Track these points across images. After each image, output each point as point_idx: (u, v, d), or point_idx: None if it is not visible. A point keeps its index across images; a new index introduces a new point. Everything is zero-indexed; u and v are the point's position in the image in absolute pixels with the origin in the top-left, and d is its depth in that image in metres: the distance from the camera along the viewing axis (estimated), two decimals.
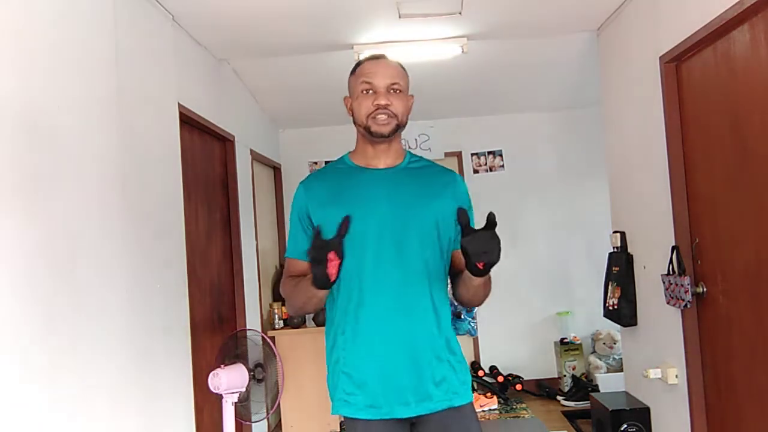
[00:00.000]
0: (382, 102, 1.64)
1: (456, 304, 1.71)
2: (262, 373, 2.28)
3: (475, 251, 1.42)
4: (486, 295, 1.65)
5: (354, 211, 1.55)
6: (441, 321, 1.67)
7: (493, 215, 1.45)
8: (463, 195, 1.74)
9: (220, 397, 2.30)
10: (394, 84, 1.67)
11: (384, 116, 1.65)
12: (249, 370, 2.21)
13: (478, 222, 1.52)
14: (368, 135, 1.68)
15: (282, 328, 4.48)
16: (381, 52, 1.80)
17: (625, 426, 3.26)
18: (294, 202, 1.74)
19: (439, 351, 1.66)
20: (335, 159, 1.81)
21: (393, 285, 1.63)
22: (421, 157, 1.81)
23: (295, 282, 1.63)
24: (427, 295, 1.65)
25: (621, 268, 3.42)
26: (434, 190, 1.70)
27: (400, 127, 1.69)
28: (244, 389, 2.21)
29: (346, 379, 1.65)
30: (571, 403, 4.78)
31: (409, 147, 5.36)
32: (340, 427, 4.51)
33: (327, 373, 1.74)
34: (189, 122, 3.20)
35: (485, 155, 5.52)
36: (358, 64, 1.74)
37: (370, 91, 1.67)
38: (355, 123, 1.71)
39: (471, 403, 1.70)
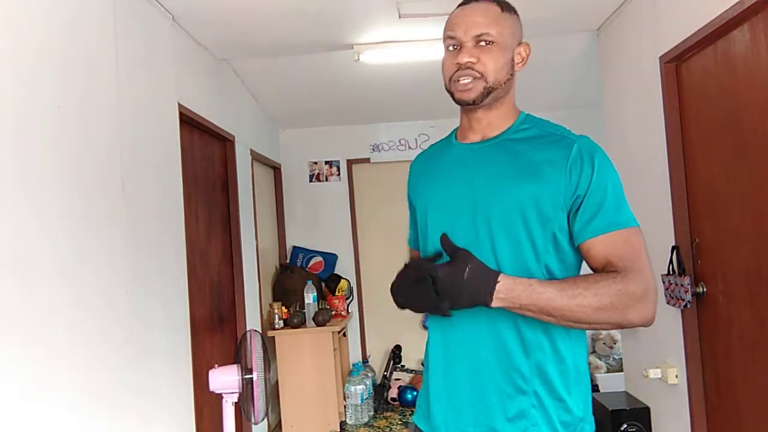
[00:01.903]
0: (464, 59, 1.30)
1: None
2: (256, 373, 2.29)
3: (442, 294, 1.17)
4: (590, 316, 1.18)
5: (424, 197, 1.40)
6: (527, 339, 1.26)
7: (445, 237, 1.22)
8: (583, 169, 1.25)
9: (220, 397, 2.30)
10: (482, 35, 1.30)
11: (468, 78, 1.31)
12: (242, 371, 2.21)
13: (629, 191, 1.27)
14: (456, 102, 1.37)
15: (282, 328, 4.48)
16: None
17: (625, 426, 3.26)
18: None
19: (521, 382, 1.27)
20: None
21: None
22: (539, 119, 1.39)
23: None
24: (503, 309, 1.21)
25: None
26: (530, 169, 1.28)
27: (492, 90, 1.32)
28: (237, 389, 2.21)
29: (424, 385, 1.43)
30: None
31: (410, 147, 5.34)
32: (341, 427, 4.51)
33: None
34: (189, 122, 3.20)
35: None
36: (453, 12, 1.41)
37: (455, 47, 1.34)
38: (446, 89, 1.39)
39: None
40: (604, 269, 1.23)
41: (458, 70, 1.32)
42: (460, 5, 1.38)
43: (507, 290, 1.17)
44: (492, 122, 1.38)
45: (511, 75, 1.36)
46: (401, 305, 1.26)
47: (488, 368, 1.28)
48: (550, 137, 1.33)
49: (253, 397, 2.20)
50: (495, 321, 1.27)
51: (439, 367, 1.35)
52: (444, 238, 1.22)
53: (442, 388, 1.35)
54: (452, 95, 1.36)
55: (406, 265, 1.26)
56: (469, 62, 1.30)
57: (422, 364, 1.76)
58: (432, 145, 1.57)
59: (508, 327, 1.27)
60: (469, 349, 1.30)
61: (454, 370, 1.32)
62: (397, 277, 1.26)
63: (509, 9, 1.35)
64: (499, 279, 1.18)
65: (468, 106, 1.35)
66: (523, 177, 1.28)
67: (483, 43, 1.31)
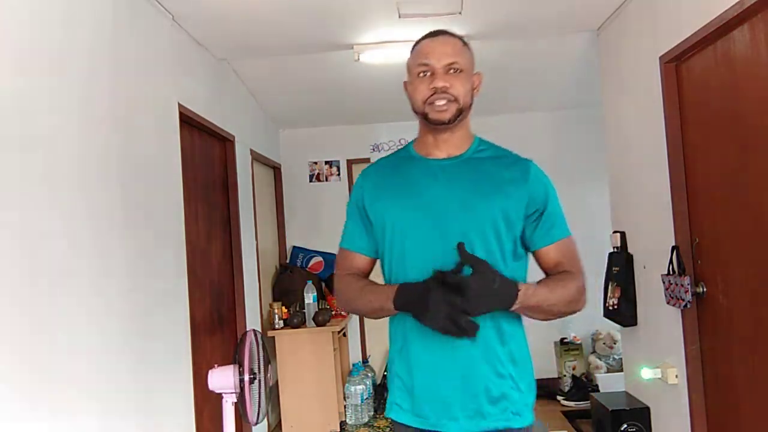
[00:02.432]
0: (440, 84, 1.47)
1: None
2: (255, 373, 2.29)
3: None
4: (552, 314, 1.47)
5: (398, 206, 1.51)
6: (503, 332, 1.48)
7: (463, 248, 1.37)
8: (538, 187, 1.52)
9: (220, 397, 2.30)
10: (452, 63, 1.49)
11: (443, 101, 1.48)
12: (240, 371, 2.21)
13: (564, 208, 1.55)
14: (427, 123, 1.52)
15: (282, 328, 4.48)
16: (441, 28, 1.61)
17: (625, 426, 3.26)
18: (352, 192, 1.64)
19: (499, 365, 1.47)
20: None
21: None
22: (491, 144, 1.61)
23: (362, 285, 1.54)
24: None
25: (621, 268, 3.42)
26: (497, 184, 1.50)
27: (462, 111, 1.51)
28: (234, 390, 2.21)
29: (399, 382, 1.55)
30: (571, 403, 4.78)
31: None
32: (341, 427, 4.51)
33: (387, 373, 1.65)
34: (189, 122, 3.20)
35: None
36: (417, 42, 1.57)
37: (427, 73, 1.50)
38: (413, 110, 1.56)
39: (530, 426, 1.51)
40: (555, 268, 1.51)
41: (434, 93, 1.48)
42: (426, 37, 1.56)
43: (523, 295, 1.38)
44: (455, 142, 1.56)
45: (472, 100, 1.56)
46: (432, 325, 1.35)
47: (473, 359, 1.46)
48: (507, 159, 1.57)
49: (244, 399, 2.20)
50: (480, 320, 1.37)
51: (424, 362, 1.49)
52: (462, 249, 1.36)
53: (430, 380, 1.48)
54: (425, 116, 1.51)
55: (433, 280, 1.36)
56: (444, 86, 1.48)
57: None
58: (383, 158, 1.68)
59: (487, 321, 1.43)
60: (454, 343, 1.42)
61: (441, 363, 1.47)
62: (419, 296, 1.36)
63: (466, 44, 1.58)
64: (519, 287, 1.38)
65: (440, 126, 1.51)
66: (493, 193, 1.49)
67: (452, 71, 1.50)
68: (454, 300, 1.30)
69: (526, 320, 1.53)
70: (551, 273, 1.52)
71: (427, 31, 1.58)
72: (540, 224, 1.51)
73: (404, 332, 1.52)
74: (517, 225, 1.50)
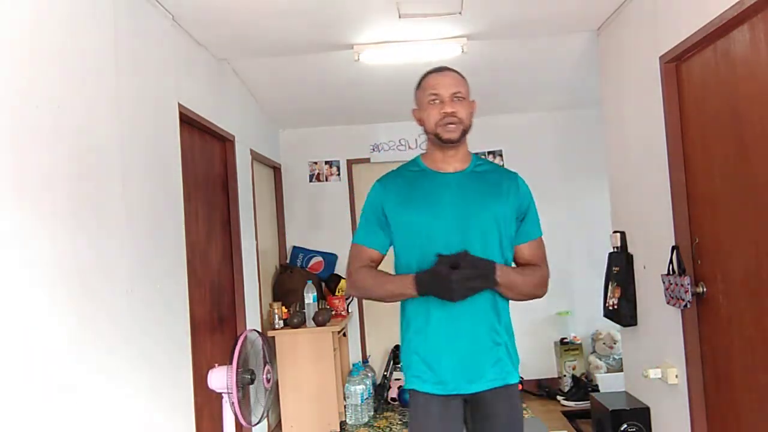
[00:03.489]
0: (449, 110, 1.83)
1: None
2: (253, 374, 2.29)
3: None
4: (523, 295, 1.88)
5: (426, 213, 1.85)
6: (500, 311, 1.88)
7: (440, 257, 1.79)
8: (525, 196, 1.93)
9: (220, 396, 2.31)
10: (457, 93, 1.86)
11: (452, 124, 1.84)
12: (234, 371, 2.21)
13: (540, 212, 1.95)
14: (438, 141, 1.87)
15: (282, 328, 4.48)
16: (444, 65, 1.96)
17: (625, 426, 3.26)
18: (370, 197, 1.97)
19: (497, 337, 1.87)
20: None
21: None
22: (485, 160, 2.01)
23: (379, 276, 1.88)
24: (488, 289, 1.82)
25: (621, 268, 3.42)
26: (496, 192, 1.89)
27: (466, 131, 1.88)
28: (231, 390, 2.22)
29: (418, 359, 1.87)
30: (571, 403, 4.78)
31: (410, 147, 5.38)
32: (341, 427, 4.51)
33: (401, 352, 1.97)
34: (189, 122, 3.20)
35: (485, 155, 5.51)
36: (423, 77, 1.92)
37: (437, 101, 1.86)
38: (425, 131, 1.91)
39: (517, 384, 1.92)
40: (527, 263, 1.93)
41: (444, 117, 1.84)
42: (433, 72, 1.92)
43: (500, 269, 1.80)
44: (459, 158, 1.93)
45: (471, 122, 1.91)
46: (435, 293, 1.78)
47: (479, 331, 1.85)
48: (500, 172, 1.99)
49: (235, 402, 2.20)
50: (481, 300, 1.82)
51: (442, 336, 1.84)
52: (440, 256, 1.78)
53: (447, 350, 1.84)
54: (438, 136, 1.86)
55: (443, 266, 1.75)
56: (453, 111, 1.84)
57: None
58: (396, 169, 2.02)
59: (488, 301, 1.85)
60: (467, 320, 1.83)
61: (457, 336, 1.83)
62: (441, 280, 1.74)
63: (465, 78, 1.94)
64: (495, 264, 1.80)
65: (450, 144, 1.87)
66: (496, 199, 1.88)
67: (456, 99, 1.86)
68: (468, 274, 1.72)
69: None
70: (523, 265, 1.94)
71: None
72: (522, 225, 1.92)
73: (427, 313, 1.85)
74: (512, 225, 1.90)
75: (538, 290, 1.91)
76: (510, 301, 1.93)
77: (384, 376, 5.20)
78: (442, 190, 1.89)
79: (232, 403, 2.22)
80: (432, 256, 1.80)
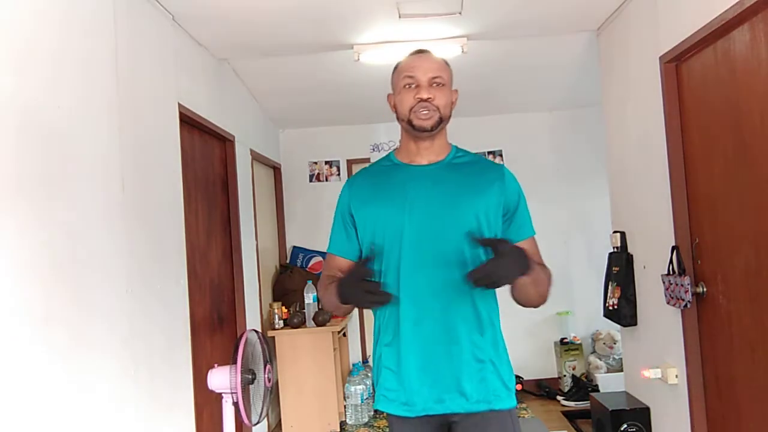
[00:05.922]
0: (424, 95, 1.63)
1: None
2: (253, 373, 2.29)
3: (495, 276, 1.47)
4: (541, 294, 1.64)
5: (390, 207, 1.64)
6: (482, 321, 1.63)
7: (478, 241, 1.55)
8: (512, 190, 1.69)
9: (220, 396, 2.31)
10: (436, 77, 1.65)
11: (426, 110, 1.63)
12: (239, 371, 2.21)
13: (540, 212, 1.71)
14: (411, 130, 1.66)
15: (282, 328, 4.48)
16: (425, 48, 1.76)
17: (625, 426, 3.26)
18: (339, 200, 1.78)
19: (479, 352, 1.62)
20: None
21: (431, 285, 1.61)
22: (467, 151, 1.76)
23: (329, 283, 1.66)
24: (467, 295, 1.60)
25: (621, 268, 3.41)
26: (477, 186, 1.66)
27: (443, 120, 1.66)
28: (231, 389, 2.22)
29: (387, 374, 1.67)
30: (571, 403, 4.78)
31: None
32: (341, 427, 4.51)
33: (372, 366, 1.76)
34: (189, 122, 3.20)
35: (485, 155, 5.52)
36: (401, 61, 1.73)
37: (413, 85, 1.65)
38: (398, 119, 1.70)
39: (511, 410, 1.64)
40: None
41: (419, 103, 1.63)
42: (413, 54, 1.72)
43: (531, 262, 1.53)
44: (435, 149, 1.70)
45: (451, 113, 1.69)
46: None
47: (455, 346, 1.61)
48: (482, 164, 1.75)
49: (241, 400, 2.20)
50: (459, 310, 1.61)
51: (412, 350, 1.62)
52: (474, 238, 1.56)
53: (416, 366, 1.61)
54: (410, 122, 1.65)
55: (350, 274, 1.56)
56: (429, 97, 1.63)
57: None
58: (368, 167, 1.81)
59: (467, 311, 1.62)
60: (440, 333, 1.60)
61: (428, 350, 1.61)
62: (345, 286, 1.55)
63: (448, 63, 1.73)
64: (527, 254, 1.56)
65: (423, 133, 1.65)
66: (473, 194, 1.64)
67: (435, 85, 1.65)
68: (364, 284, 1.50)
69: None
70: None
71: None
72: (512, 223, 1.69)
73: (396, 326, 1.63)
74: (495, 223, 1.65)
75: (548, 290, 1.67)
76: (499, 312, 1.70)
77: None
78: (411, 184, 1.66)
79: (236, 403, 2.21)
80: (405, 258, 1.60)
